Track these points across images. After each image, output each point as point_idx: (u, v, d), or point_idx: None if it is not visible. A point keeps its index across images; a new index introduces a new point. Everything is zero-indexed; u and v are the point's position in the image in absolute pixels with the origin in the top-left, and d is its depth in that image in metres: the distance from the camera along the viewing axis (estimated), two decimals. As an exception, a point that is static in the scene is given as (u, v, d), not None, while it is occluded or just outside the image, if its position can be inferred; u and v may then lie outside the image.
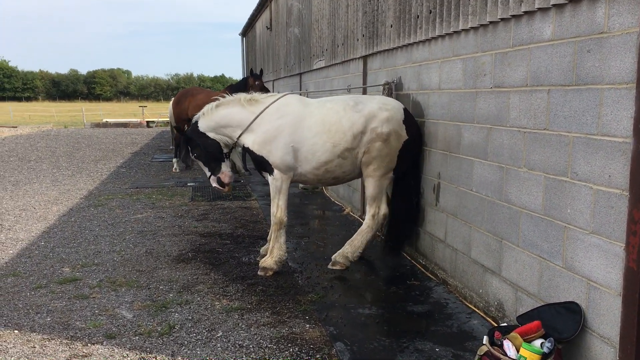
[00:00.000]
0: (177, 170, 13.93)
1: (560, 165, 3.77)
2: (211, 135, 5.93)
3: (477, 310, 4.85)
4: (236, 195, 10.65)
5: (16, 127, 31.24)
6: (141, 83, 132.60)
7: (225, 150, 6.01)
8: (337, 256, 6.05)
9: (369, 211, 6.00)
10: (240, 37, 28.76)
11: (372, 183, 5.91)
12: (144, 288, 5.50)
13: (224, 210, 9.24)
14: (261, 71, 13.42)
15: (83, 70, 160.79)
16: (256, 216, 8.79)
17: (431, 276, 5.82)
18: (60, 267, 6.17)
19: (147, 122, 34.42)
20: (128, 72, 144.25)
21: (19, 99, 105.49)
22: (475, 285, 4.95)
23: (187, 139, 6.02)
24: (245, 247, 6.97)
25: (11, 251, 6.78)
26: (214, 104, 5.98)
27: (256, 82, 12.49)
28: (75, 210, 9.16)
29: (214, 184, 6.09)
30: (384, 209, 6.03)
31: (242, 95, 6.00)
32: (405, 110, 6.03)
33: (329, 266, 6.01)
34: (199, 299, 5.21)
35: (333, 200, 10.07)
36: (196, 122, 5.98)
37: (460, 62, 5.19)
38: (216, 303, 5.10)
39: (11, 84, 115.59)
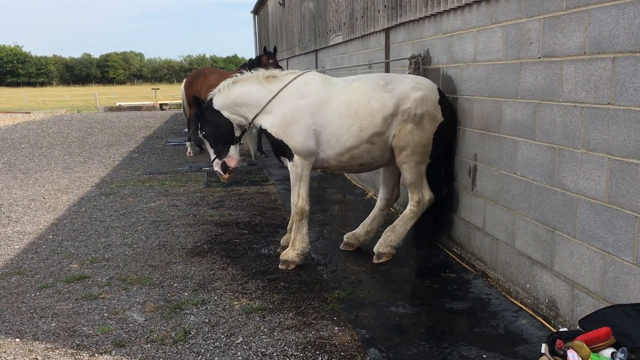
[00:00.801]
0: (191, 154, 13.50)
1: (629, 145, 3.24)
2: (225, 114, 5.46)
3: (524, 308, 4.36)
4: (253, 179, 10.20)
5: (29, 112, 31.04)
6: (154, 65, 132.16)
7: (237, 134, 5.54)
8: (380, 247, 5.55)
9: (413, 197, 5.47)
10: (252, 15, 28.10)
11: (409, 170, 5.35)
12: (157, 286, 5.08)
13: (240, 196, 8.79)
14: (275, 49, 12.87)
15: (96, 54, 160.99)
16: (274, 202, 8.34)
17: (468, 267, 5.33)
18: (68, 263, 5.77)
19: (160, 104, 34.04)
20: (141, 55, 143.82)
21: (33, 85, 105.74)
22: (521, 279, 4.45)
23: (199, 115, 5.56)
24: (264, 237, 6.53)
25: (17, 246, 6.40)
26: (230, 80, 5.50)
27: (270, 61, 11.96)
28: (86, 199, 8.77)
29: (217, 168, 5.61)
30: (428, 194, 5.49)
31: (260, 72, 5.52)
32: (439, 90, 5.48)
33: (375, 260, 5.52)
34: (216, 298, 4.78)
35: (354, 183, 9.57)
36: (211, 98, 5.53)
37: (500, 30, 4.63)
38: (235, 303, 4.66)
39: (25, 70, 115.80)
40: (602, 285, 3.50)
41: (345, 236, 6.06)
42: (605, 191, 3.44)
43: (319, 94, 5.29)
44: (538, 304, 4.21)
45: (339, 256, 5.81)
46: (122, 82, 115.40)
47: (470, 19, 5.16)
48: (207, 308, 4.57)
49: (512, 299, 4.54)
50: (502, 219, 4.74)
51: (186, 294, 4.89)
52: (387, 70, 7.62)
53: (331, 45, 11.31)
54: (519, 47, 4.36)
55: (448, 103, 5.49)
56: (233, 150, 5.57)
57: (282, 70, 5.94)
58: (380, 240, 5.58)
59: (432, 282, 5.03)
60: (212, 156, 5.62)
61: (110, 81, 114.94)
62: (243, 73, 5.66)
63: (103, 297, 4.86)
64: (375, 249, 5.55)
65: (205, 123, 5.50)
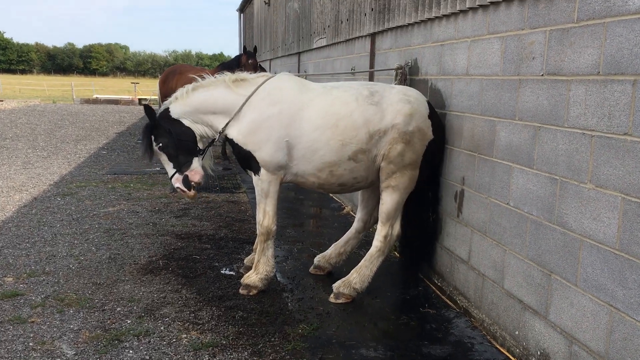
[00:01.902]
0: (163, 154, 12.83)
1: (649, 185, 2.73)
2: (186, 122, 4.84)
3: (512, 358, 3.84)
4: (224, 186, 9.59)
5: (2, 100, 29.98)
6: (138, 59, 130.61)
7: (200, 146, 4.93)
8: (341, 286, 4.82)
9: (381, 231, 4.83)
10: (238, 13, 27.47)
11: (392, 196, 4.74)
12: (98, 310, 4.47)
13: (207, 204, 8.18)
14: (255, 49, 12.28)
15: (80, 44, 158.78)
16: (243, 213, 7.75)
17: (449, 302, 4.81)
18: (2, 276, 5.12)
19: (140, 99, 33.17)
20: (125, 48, 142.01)
21: (13, 72, 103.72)
22: (510, 324, 3.93)
23: (151, 127, 4.85)
24: (227, 254, 5.94)
25: (-50, 252, 5.74)
26: (190, 86, 4.88)
27: (249, 61, 11.36)
28: (40, 200, 8.09)
29: (178, 184, 4.88)
30: (397, 228, 4.88)
31: (227, 76, 4.92)
32: (429, 103, 4.93)
33: (331, 299, 4.80)
34: (162, 328, 4.18)
35: (331, 196, 9.02)
36: (167, 108, 4.88)
37: (498, 42, 4.12)
38: (183, 336, 4.07)
39: (6, 56, 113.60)
40: (607, 345, 2.99)
41: (315, 259, 5.50)
42: (616, 236, 2.93)
43: (292, 101, 4.71)
44: (528, 356, 3.69)
45: (308, 281, 5.25)
46: (104, 74, 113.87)
47: (465, 27, 4.65)
48: (150, 341, 3.97)
49: (497, 346, 4.02)
50: (490, 253, 4.22)
51: (129, 321, 4.28)
52: (371, 79, 7.09)
53: (314, 49, 10.77)
54: (519, 61, 3.85)
55: (438, 118, 4.94)
56: (196, 163, 4.92)
57: (264, 71, 5.34)
58: (343, 279, 4.87)
59: (408, 319, 4.49)
60: (171, 171, 4.92)
61: (93, 72, 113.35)
62: (223, 72, 5.08)
63: (32, 321, 4.23)
64: (335, 287, 4.84)
65: (161, 134, 4.82)
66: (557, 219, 3.42)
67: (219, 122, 4.80)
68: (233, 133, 4.77)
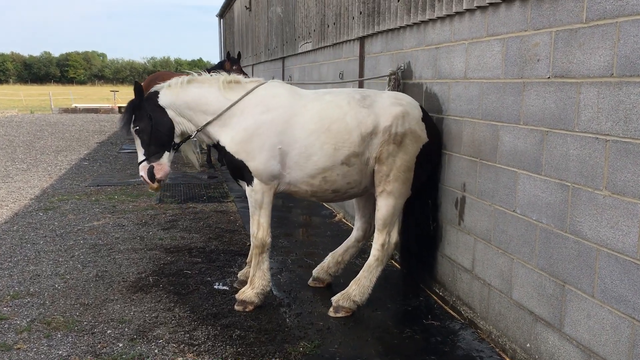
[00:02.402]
0: (146, 164, 12.55)
1: (671, 191, 2.61)
2: (170, 114, 4.68)
3: (524, 372, 3.70)
4: (211, 195, 9.37)
5: (-22, 112, 29.35)
6: (116, 66, 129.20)
7: (176, 140, 4.77)
8: (340, 299, 4.65)
9: (378, 239, 4.68)
10: (217, 18, 27.21)
11: (388, 201, 4.59)
12: (87, 333, 4.24)
13: (195, 215, 7.96)
14: (239, 55, 12.09)
15: (56, 53, 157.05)
16: (233, 223, 7.54)
17: (453, 313, 4.66)
18: (-16, 298, 4.88)
19: (119, 107, 32.63)
20: (103, 55, 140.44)
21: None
22: (520, 336, 3.79)
23: (136, 105, 4.69)
24: (219, 268, 5.73)
25: None
26: (185, 78, 4.73)
27: (233, 67, 11.16)
28: (21, 215, 7.80)
29: (143, 173, 4.71)
30: (395, 236, 4.72)
31: (222, 76, 4.79)
32: (422, 107, 4.80)
33: (331, 313, 4.62)
34: (156, 351, 3.97)
35: (322, 203, 8.84)
36: (157, 92, 4.72)
37: (499, 44, 3.99)
38: (179, 359, 3.86)
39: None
40: None
41: (314, 271, 5.32)
42: (637, 245, 2.80)
43: (286, 108, 4.57)
44: (541, 369, 3.56)
45: (305, 294, 5.07)
46: (82, 83, 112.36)
47: (461, 29, 4.52)
48: (144, 366, 3.77)
49: (508, 359, 3.87)
50: (496, 262, 4.08)
51: (121, 344, 4.06)
52: (361, 87, 6.94)
53: (300, 53, 10.59)
54: (523, 64, 3.72)
55: (432, 122, 4.82)
56: (166, 158, 4.75)
57: (248, 77, 5.18)
58: (342, 292, 4.70)
59: (412, 332, 4.33)
60: (140, 157, 4.74)
61: (70, 81, 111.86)
62: (219, 72, 4.96)
63: (19, 348, 4.00)
64: (334, 300, 4.67)
65: (141, 117, 4.66)
66: (570, 227, 3.29)
67: (202, 121, 4.68)
68: (225, 140, 4.61)
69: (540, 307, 3.57)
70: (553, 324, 3.44)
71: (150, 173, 4.69)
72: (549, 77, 3.46)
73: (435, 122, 4.92)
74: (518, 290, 3.81)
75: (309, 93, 4.80)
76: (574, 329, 3.26)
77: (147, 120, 4.63)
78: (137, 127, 4.67)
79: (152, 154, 4.70)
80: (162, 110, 4.67)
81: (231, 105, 4.59)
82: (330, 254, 5.32)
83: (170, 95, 4.67)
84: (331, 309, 4.65)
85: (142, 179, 4.76)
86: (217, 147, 4.74)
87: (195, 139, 4.84)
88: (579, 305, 3.22)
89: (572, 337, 3.27)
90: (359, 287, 4.64)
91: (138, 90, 4.69)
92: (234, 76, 4.81)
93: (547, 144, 3.48)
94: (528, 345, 3.69)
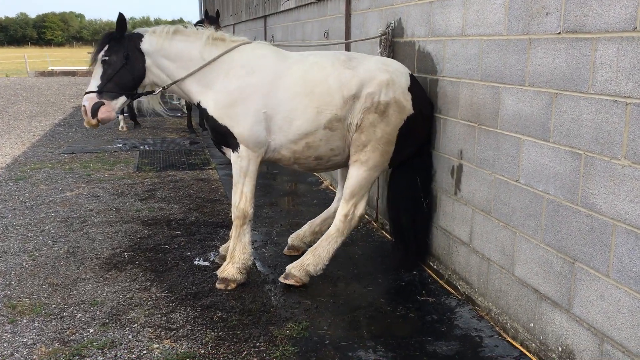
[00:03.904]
0: (125, 129, 12.09)
1: None
2: (147, 61, 4.30)
3: (527, 354, 3.44)
4: (191, 162, 8.98)
5: (-50, 76, 28.34)
6: (95, 27, 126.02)
7: (139, 90, 4.39)
8: (293, 268, 4.41)
9: (342, 209, 4.42)
10: (196, -24, 26.21)
11: (359, 171, 4.33)
12: (55, 317, 3.91)
13: (175, 184, 7.59)
14: (217, 13, 11.52)
15: (33, 14, 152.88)
16: (215, 192, 7.19)
17: (449, 288, 4.39)
18: (-56, 280, 4.52)
19: (98, 70, 31.73)
20: (81, 16, 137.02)
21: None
22: (523, 315, 3.53)
23: (115, 37, 4.27)
24: (200, 242, 5.41)
25: None
26: (171, 28, 4.36)
27: (212, 26, 10.61)
28: (-11, 186, 7.38)
29: (86, 103, 4.22)
30: (361, 208, 4.44)
31: (209, 31, 4.42)
32: (411, 75, 4.44)
33: (281, 279, 4.41)
34: (130, 337, 3.66)
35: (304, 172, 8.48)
36: (141, 36, 4.31)
37: (502, -4, 3.60)
38: (155, 346, 3.56)
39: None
40: (649, 346, 2.59)
41: (289, 238, 5.10)
42: (661, 222, 2.51)
43: (271, 70, 4.27)
44: (547, 351, 3.30)
45: (291, 269, 4.77)
46: (60, 45, 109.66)
47: (459, -19, 4.11)
48: (116, 355, 3.45)
49: (509, 339, 3.62)
50: (496, 235, 3.79)
51: (91, 330, 3.75)
52: (348, 49, 6.52)
53: (282, 11, 10.07)
54: (529, 18, 3.35)
55: (421, 92, 4.47)
56: (119, 103, 4.30)
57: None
58: (297, 260, 4.47)
59: (406, 310, 4.06)
60: (92, 87, 4.25)
61: (48, 43, 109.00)
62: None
63: (-21, 336, 3.67)
64: (287, 268, 4.43)
65: (117, 51, 4.22)
66: (581, 199, 2.98)
67: (178, 76, 4.33)
68: (208, 103, 4.28)
69: (546, 285, 3.29)
70: (560, 303, 3.17)
71: (95, 108, 4.21)
72: (559, 33, 3.10)
73: (430, 84, 4.56)
74: (521, 267, 3.53)
75: (294, 54, 4.49)
76: (584, 310, 2.99)
77: (122, 57, 4.22)
78: (107, 58, 4.23)
79: (107, 91, 4.25)
80: (140, 55, 4.29)
81: (209, 62, 4.25)
82: (308, 222, 5.12)
83: (155, 44, 4.29)
84: (282, 276, 4.44)
85: (82, 108, 4.30)
86: (200, 109, 4.43)
87: (159, 93, 4.45)
88: (591, 285, 2.94)
89: (582, 318, 3.00)
90: (314, 257, 4.41)
91: (121, 22, 4.29)
92: (220, 33, 4.48)
93: (557, 108, 3.15)
94: (531, 324, 3.43)
